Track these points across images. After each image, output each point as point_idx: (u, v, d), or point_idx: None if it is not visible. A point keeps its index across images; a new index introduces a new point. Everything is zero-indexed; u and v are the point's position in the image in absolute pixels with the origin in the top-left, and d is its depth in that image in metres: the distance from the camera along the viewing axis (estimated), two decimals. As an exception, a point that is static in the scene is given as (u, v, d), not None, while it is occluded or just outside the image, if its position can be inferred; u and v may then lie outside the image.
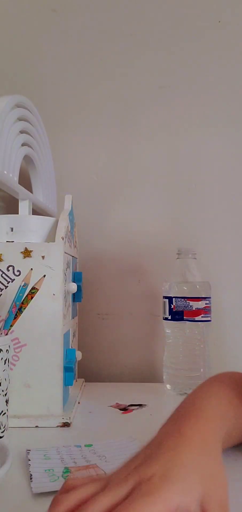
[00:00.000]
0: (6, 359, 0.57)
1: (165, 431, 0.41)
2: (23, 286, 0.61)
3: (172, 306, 0.80)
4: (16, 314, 0.60)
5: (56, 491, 0.36)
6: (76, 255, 0.86)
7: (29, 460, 0.48)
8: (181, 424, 0.40)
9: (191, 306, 0.80)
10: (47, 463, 0.48)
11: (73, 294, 0.79)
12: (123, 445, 0.54)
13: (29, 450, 0.51)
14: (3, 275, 0.65)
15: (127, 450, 0.53)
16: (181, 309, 0.80)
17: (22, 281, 0.61)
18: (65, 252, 0.68)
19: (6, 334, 0.59)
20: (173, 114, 0.97)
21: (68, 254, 0.73)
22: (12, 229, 0.69)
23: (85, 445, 0.54)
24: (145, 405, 0.73)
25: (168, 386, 0.82)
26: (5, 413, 0.57)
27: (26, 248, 0.65)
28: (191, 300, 0.80)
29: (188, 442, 0.38)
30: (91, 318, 0.95)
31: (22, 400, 0.63)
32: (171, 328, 0.82)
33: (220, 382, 0.51)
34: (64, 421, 0.62)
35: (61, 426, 0.62)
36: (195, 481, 0.34)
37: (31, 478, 0.44)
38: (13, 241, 0.68)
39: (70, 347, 0.75)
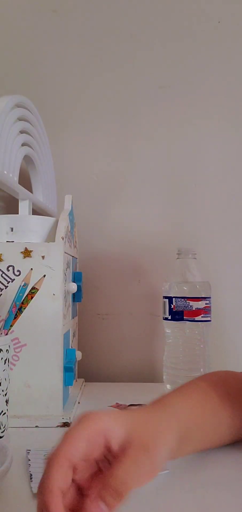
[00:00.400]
0: (6, 359, 0.57)
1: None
2: (23, 286, 0.61)
3: (172, 306, 0.80)
4: (16, 314, 0.60)
5: None
6: (76, 255, 0.86)
7: (29, 460, 0.48)
8: (144, 407, 0.43)
9: (191, 306, 0.80)
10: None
11: (73, 294, 0.79)
12: None
13: (29, 450, 0.51)
14: (3, 275, 0.65)
15: None
16: (181, 309, 0.80)
17: (22, 281, 0.61)
18: (65, 252, 0.68)
19: (6, 334, 0.59)
20: (173, 114, 0.97)
21: (68, 254, 0.73)
22: (12, 229, 0.69)
23: None
24: (145, 405, 0.73)
25: (168, 386, 0.82)
26: (5, 413, 0.57)
27: (26, 248, 0.65)
28: (191, 300, 0.80)
29: (138, 409, 0.42)
30: (91, 318, 0.95)
31: (22, 400, 0.63)
32: (171, 328, 0.82)
33: (206, 381, 0.52)
34: (64, 421, 0.62)
35: (61, 426, 0.62)
36: (125, 419, 0.37)
37: (31, 478, 0.44)
38: (13, 241, 0.68)
39: (70, 347, 0.75)
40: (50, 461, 0.33)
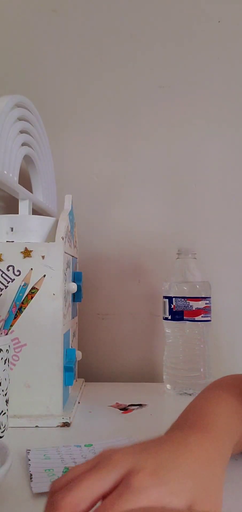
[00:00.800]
0: (6, 359, 0.57)
1: (169, 437, 0.39)
2: (23, 286, 0.61)
3: (172, 306, 0.80)
4: (16, 314, 0.60)
5: None
6: (76, 255, 0.86)
7: (29, 460, 0.48)
8: (188, 436, 0.38)
9: (191, 306, 0.80)
10: (47, 463, 0.48)
11: (73, 294, 0.79)
12: (123, 445, 0.54)
13: (29, 450, 0.51)
14: (3, 275, 0.65)
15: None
16: (181, 309, 0.80)
17: (22, 281, 0.61)
18: (65, 252, 0.68)
19: (6, 334, 0.59)
20: (173, 114, 0.97)
21: (68, 254, 0.73)
22: (12, 229, 0.69)
23: (85, 445, 0.54)
24: (145, 405, 0.73)
25: (168, 386, 0.82)
26: (5, 413, 0.57)
27: (26, 248, 0.65)
28: (191, 300, 0.80)
29: (190, 453, 0.36)
30: (91, 318, 0.95)
31: (22, 400, 0.63)
32: (171, 328, 0.82)
33: (226, 389, 0.50)
34: (64, 421, 0.62)
35: (61, 426, 0.62)
36: (186, 486, 0.32)
37: (31, 478, 0.44)
38: (13, 241, 0.68)
39: (70, 347, 0.75)
40: None
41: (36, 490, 0.42)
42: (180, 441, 0.37)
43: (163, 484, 0.31)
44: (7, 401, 0.58)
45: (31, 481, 0.44)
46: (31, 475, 0.45)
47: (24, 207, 0.75)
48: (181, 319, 0.80)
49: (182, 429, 0.41)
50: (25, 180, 0.80)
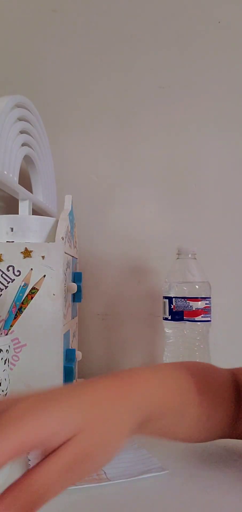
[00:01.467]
0: (6, 359, 0.57)
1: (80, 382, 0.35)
2: (23, 286, 0.61)
3: (172, 306, 0.80)
4: (16, 314, 0.60)
5: None
6: (76, 255, 0.86)
7: (29, 460, 0.48)
8: (98, 381, 0.35)
9: (191, 306, 0.80)
10: None
11: (73, 294, 0.79)
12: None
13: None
14: (3, 275, 0.65)
15: (126, 449, 0.53)
16: (181, 309, 0.80)
17: (22, 281, 0.61)
18: (65, 252, 0.68)
19: (6, 334, 0.59)
20: (173, 114, 0.97)
21: (68, 254, 0.73)
22: (12, 229, 0.69)
23: None
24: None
25: (168, 386, 0.82)
26: (5, 413, 0.57)
27: (26, 248, 0.65)
28: (191, 300, 0.80)
29: (93, 390, 0.32)
30: (91, 318, 0.95)
31: (22, 400, 0.63)
32: (171, 328, 0.83)
33: (186, 368, 0.45)
34: (64, 421, 0.62)
35: (61, 426, 0.62)
36: (79, 410, 0.29)
37: None
38: (13, 241, 0.68)
39: (70, 347, 0.75)
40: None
41: None
42: (88, 383, 0.33)
43: (53, 403, 0.28)
44: (7, 401, 0.58)
45: None
46: None
47: (24, 207, 0.75)
48: (181, 319, 0.80)
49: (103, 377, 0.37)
50: (25, 180, 0.80)
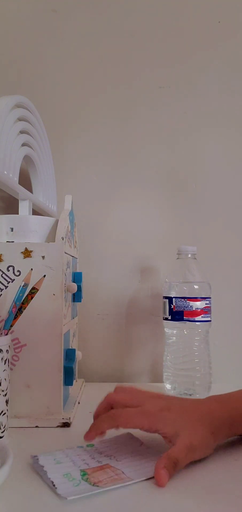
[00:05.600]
0: (6, 359, 0.57)
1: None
2: (23, 286, 0.61)
3: (172, 306, 0.80)
4: (16, 314, 0.60)
5: (86, 495, 0.41)
6: (76, 255, 0.86)
7: (43, 466, 0.47)
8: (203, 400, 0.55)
9: (191, 306, 0.80)
10: (61, 468, 0.47)
11: (73, 294, 0.79)
12: (125, 442, 0.54)
13: (37, 456, 0.50)
14: (3, 275, 0.65)
15: (131, 446, 0.53)
16: (181, 309, 0.80)
17: (22, 281, 0.61)
18: (65, 252, 0.68)
19: (6, 334, 0.59)
20: (172, 114, 0.97)
21: (68, 254, 0.73)
22: (12, 229, 0.69)
23: (87, 445, 0.54)
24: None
25: (168, 386, 0.82)
26: (5, 413, 0.57)
27: (26, 248, 0.65)
28: (191, 300, 0.80)
29: (193, 404, 0.54)
30: (91, 318, 0.95)
31: (22, 400, 0.63)
32: (171, 328, 0.83)
33: None
34: (64, 421, 0.62)
35: (61, 426, 0.62)
36: (182, 418, 0.50)
37: (54, 485, 0.43)
38: (13, 241, 0.68)
39: (70, 347, 0.75)
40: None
41: (71, 496, 0.41)
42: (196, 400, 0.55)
43: (165, 409, 0.51)
44: (7, 401, 0.58)
45: (56, 488, 0.42)
46: (52, 482, 0.44)
47: (24, 207, 0.75)
48: (181, 319, 0.80)
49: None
50: (25, 180, 0.80)
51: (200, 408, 0.52)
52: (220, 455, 0.51)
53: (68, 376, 0.67)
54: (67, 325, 0.71)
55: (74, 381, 0.78)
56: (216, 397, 0.55)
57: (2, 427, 0.56)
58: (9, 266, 0.65)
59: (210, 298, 0.82)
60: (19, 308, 0.61)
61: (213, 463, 0.50)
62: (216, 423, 0.51)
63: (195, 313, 0.80)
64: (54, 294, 0.65)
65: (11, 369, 0.62)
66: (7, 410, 0.58)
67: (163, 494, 0.43)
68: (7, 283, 0.65)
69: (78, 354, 0.79)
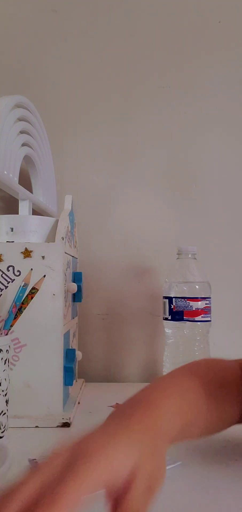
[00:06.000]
0: (6, 359, 0.57)
1: (113, 417, 0.40)
2: (23, 286, 0.61)
3: (172, 306, 0.80)
4: (16, 314, 0.60)
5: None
6: (76, 255, 0.86)
7: (34, 459, 0.47)
8: (131, 415, 0.38)
9: (191, 306, 0.80)
10: None
11: (73, 294, 0.79)
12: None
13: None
14: (3, 275, 0.65)
15: None
16: (181, 309, 0.80)
17: (22, 281, 0.61)
18: (65, 252, 0.68)
19: (6, 334, 0.59)
20: (172, 114, 0.97)
21: (68, 254, 0.73)
22: (12, 229, 0.69)
23: None
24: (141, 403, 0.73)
25: (168, 386, 0.82)
26: (5, 413, 0.57)
27: (26, 248, 0.65)
28: (191, 300, 0.80)
29: (133, 434, 0.36)
30: (91, 318, 0.95)
31: (22, 400, 0.63)
32: (171, 328, 0.83)
33: (191, 372, 0.49)
34: (64, 421, 0.62)
35: (61, 426, 0.62)
36: (130, 452, 0.33)
37: None
38: (13, 241, 0.68)
39: (70, 347, 0.75)
40: (43, 507, 0.27)
41: None
42: (123, 425, 0.37)
43: (111, 443, 0.32)
44: (7, 401, 0.58)
45: None
46: None
47: (24, 207, 0.75)
48: (181, 319, 0.80)
49: (129, 408, 0.41)
50: (25, 180, 0.80)
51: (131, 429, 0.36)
52: (220, 455, 0.51)
53: (68, 376, 0.67)
54: (67, 325, 0.71)
55: (74, 381, 0.78)
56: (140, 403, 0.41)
57: (2, 427, 0.56)
58: (9, 266, 0.65)
59: (210, 298, 0.82)
60: (19, 308, 0.61)
61: (213, 463, 0.50)
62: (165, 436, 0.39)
63: (195, 313, 0.80)
64: (54, 294, 0.65)
65: (11, 369, 0.62)
66: (7, 410, 0.58)
67: (162, 494, 0.43)
68: (7, 283, 0.65)
69: (78, 354, 0.80)
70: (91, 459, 0.30)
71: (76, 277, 0.80)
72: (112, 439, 0.34)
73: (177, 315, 0.80)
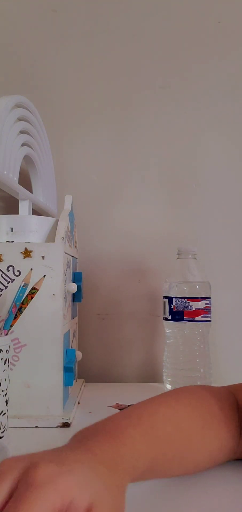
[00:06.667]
0: (6, 359, 0.57)
1: (73, 439, 0.36)
2: (23, 286, 0.61)
3: (172, 306, 0.80)
4: (16, 314, 0.60)
5: None
6: (76, 255, 0.86)
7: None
8: (93, 438, 0.35)
9: (191, 306, 0.80)
10: None
11: (73, 294, 0.79)
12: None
13: None
14: (3, 275, 0.65)
15: None
16: (181, 309, 0.80)
17: (22, 281, 0.61)
18: (65, 252, 0.68)
19: (6, 334, 0.59)
20: (173, 114, 0.97)
21: (68, 254, 0.73)
22: (12, 229, 0.69)
23: None
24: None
25: (168, 386, 0.82)
26: (5, 413, 0.57)
27: (26, 248, 0.65)
28: (191, 300, 0.80)
29: (92, 454, 0.33)
30: (91, 318, 0.95)
31: (22, 400, 0.63)
32: (171, 328, 0.83)
33: (174, 398, 0.45)
34: (64, 421, 0.62)
35: (61, 426, 0.62)
36: (92, 480, 0.29)
37: None
38: (13, 241, 0.68)
39: (70, 347, 0.75)
40: None
41: None
42: (85, 449, 0.34)
43: (68, 472, 0.28)
44: (7, 401, 0.58)
45: None
46: None
47: (24, 207, 0.75)
48: (181, 319, 0.80)
49: (93, 432, 0.37)
50: (25, 180, 0.80)
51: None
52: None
53: (68, 376, 0.67)
54: (67, 325, 0.71)
55: (74, 381, 0.78)
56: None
57: (2, 427, 0.56)
58: (9, 266, 0.65)
59: (210, 298, 0.82)
60: (19, 308, 0.61)
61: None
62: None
63: (195, 313, 0.80)
64: (54, 294, 0.65)
65: (11, 369, 0.62)
66: (7, 410, 0.58)
67: (162, 494, 0.43)
68: (7, 283, 0.65)
69: (78, 354, 0.80)
70: (41, 489, 0.27)
71: (76, 277, 0.80)
72: (67, 466, 0.29)
73: (177, 315, 0.80)
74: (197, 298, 0.80)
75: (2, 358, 0.56)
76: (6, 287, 0.65)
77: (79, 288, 0.78)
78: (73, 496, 0.28)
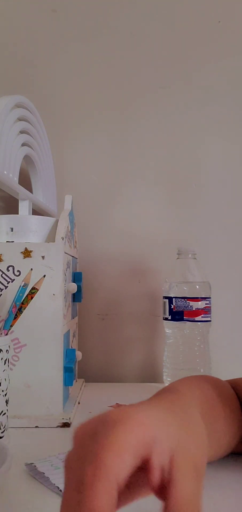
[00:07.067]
0: (6, 359, 0.57)
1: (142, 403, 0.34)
2: (23, 286, 0.61)
3: (172, 306, 0.80)
4: (16, 314, 0.60)
5: None
6: (76, 255, 0.86)
7: (43, 473, 0.46)
8: (159, 398, 0.35)
9: (191, 306, 0.80)
10: (61, 473, 0.46)
11: (73, 294, 0.79)
12: None
13: (33, 463, 0.48)
14: (3, 275, 0.65)
15: None
16: (181, 309, 0.80)
17: (22, 281, 0.61)
18: (65, 252, 0.68)
19: (6, 334, 0.59)
20: (173, 114, 0.97)
21: (68, 254, 0.73)
22: (12, 229, 0.69)
23: None
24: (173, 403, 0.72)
25: (168, 386, 0.82)
26: (5, 413, 0.57)
27: (26, 248, 0.65)
28: (191, 300, 0.80)
29: (168, 404, 0.32)
30: (91, 318, 0.95)
31: (22, 400, 0.63)
32: (171, 328, 0.82)
33: (204, 380, 0.46)
34: (64, 421, 0.62)
35: (61, 426, 0.62)
36: (172, 426, 0.28)
37: (61, 490, 0.42)
38: (13, 241, 0.68)
39: (70, 347, 0.75)
40: (90, 479, 0.23)
41: None
42: (154, 402, 0.34)
43: (150, 415, 0.27)
44: (7, 401, 0.58)
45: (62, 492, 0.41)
46: (58, 487, 0.43)
47: (24, 207, 0.75)
48: (181, 319, 0.80)
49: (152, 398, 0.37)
50: (25, 180, 0.80)
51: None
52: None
53: (68, 376, 0.67)
54: (67, 325, 0.71)
55: (74, 381, 0.78)
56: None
57: (2, 427, 0.56)
58: (9, 266, 0.65)
59: (210, 298, 0.82)
60: (19, 308, 0.61)
61: (212, 464, 0.49)
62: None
63: (195, 313, 0.80)
64: (54, 294, 0.65)
65: (11, 369, 0.62)
66: (7, 410, 0.58)
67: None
68: (7, 283, 0.65)
69: (78, 354, 0.79)
70: (126, 423, 0.25)
71: (76, 277, 0.80)
72: (147, 406, 0.29)
73: (177, 315, 0.80)
74: (197, 298, 0.80)
75: (2, 358, 0.56)
76: (6, 287, 0.65)
77: (79, 288, 0.78)
78: (156, 438, 0.26)
